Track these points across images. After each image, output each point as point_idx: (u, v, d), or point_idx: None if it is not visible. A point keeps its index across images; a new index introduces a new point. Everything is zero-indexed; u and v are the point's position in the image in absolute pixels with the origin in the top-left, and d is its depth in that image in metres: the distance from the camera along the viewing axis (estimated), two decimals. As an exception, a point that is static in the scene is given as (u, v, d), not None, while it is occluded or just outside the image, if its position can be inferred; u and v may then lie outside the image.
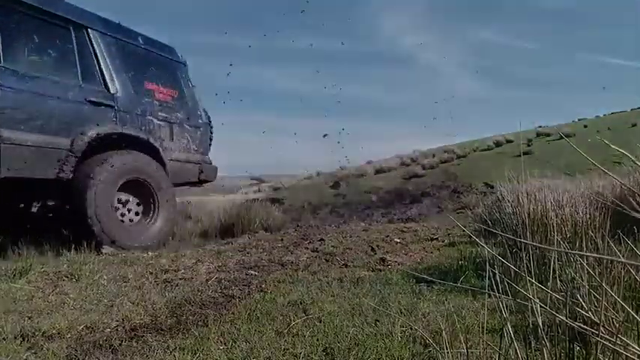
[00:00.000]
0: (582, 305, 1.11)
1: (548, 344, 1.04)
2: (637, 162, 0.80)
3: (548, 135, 22.31)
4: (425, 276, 2.55)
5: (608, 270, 1.47)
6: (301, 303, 2.12)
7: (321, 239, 3.87)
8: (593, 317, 1.01)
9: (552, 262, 1.37)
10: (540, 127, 29.86)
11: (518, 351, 0.98)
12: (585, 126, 28.33)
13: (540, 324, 1.01)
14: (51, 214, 3.63)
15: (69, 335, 1.77)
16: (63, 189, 3.24)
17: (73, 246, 3.19)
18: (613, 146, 0.80)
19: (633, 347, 0.84)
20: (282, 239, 4.07)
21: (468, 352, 1.11)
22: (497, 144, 24.35)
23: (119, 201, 3.59)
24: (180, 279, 2.62)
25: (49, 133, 3.07)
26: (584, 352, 1.14)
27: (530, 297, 1.01)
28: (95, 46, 3.50)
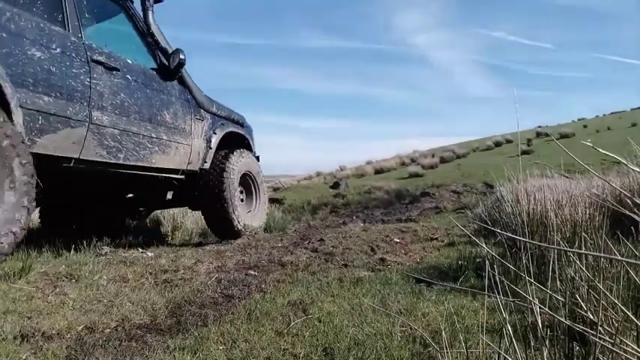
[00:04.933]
0: (581, 305, 1.12)
1: (547, 344, 1.04)
2: (630, 166, 0.80)
3: (547, 135, 22.34)
4: (424, 276, 2.55)
5: (607, 270, 1.47)
6: (301, 303, 2.12)
7: (321, 239, 3.86)
8: (592, 317, 1.02)
9: (552, 262, 1.37)
10: (540, 127, 29.91)
11: (517, 351, 0.98)
12: (585, 126, 28.33)
13: (540, 324, 1.01)
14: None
15: (68, 335, 1.77)
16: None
17: (72, 246, 3.19)
18: (602, 150, 0.80)
19: (632, 347, 0.84)
20: (281, 239, 4.06)
21: (467, 352, 1.12)
22: (497, 144, 24.37)
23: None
24: (179, 279, 2.62)
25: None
26: (584, 352, 1.15)
27: (530, 297, 1.01)
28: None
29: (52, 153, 2.52)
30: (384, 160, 23.75)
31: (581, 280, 1.30)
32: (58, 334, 1.76)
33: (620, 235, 1.57)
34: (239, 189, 4.07)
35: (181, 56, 3.42)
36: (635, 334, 1.00)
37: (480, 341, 1.15)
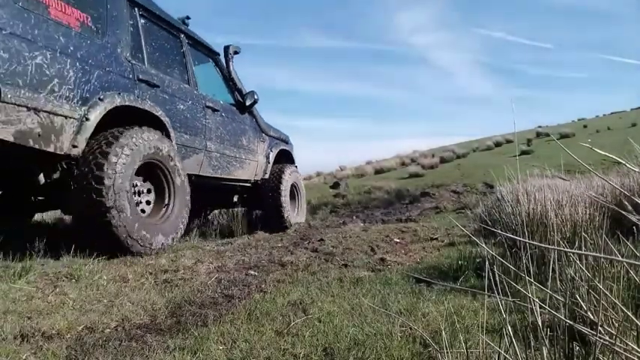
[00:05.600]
0: (581, 305, 1.12)
1: (547, 344, 1.04)
2: (628, 165, 0.80)
3: (547, 135, 22.36)
4: (424, 276, 2.55)
5: (607, 270, 1.47)
6: (301, 303, 2.12)
7: (321, 239, 3.86)
8: (592, 317, 1.02)
9: (552, 262, 1.37)
10: (540, 127, 29.93)
11: (517, 351, 0.98)
12: (585, 126, 28.35)
13: (540, 324, 1.01)
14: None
15: (68, 335, 1.77)
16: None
17: (72, 246, 3.19)
18: (599, 151, 0.80)
19: (632, 347, 0.84)
20: (281, 239, 4.06)
21: (467, 352, 1.11)
22: (497, 144, 24.36)
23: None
24: (179, 279, 2.62)
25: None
26: (584, 352, 1.15)
27: (530, 297, 1.01)
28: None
29: (187, 172, 3.51)
30: (384, 160, 23.76)
31: (581, 280, 1.30)
32: (58, 334, 1.76)
33: (620, 235, 1.57)
34: (288, 194, 5.13)
35: (255, 96, 4.61)
36: (636, 334, 1.00)
37: (480, 341, 1.15)
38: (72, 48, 2.60)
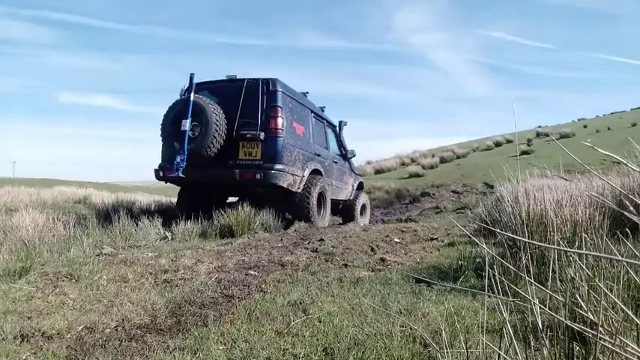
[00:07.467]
0: (581, 305, 1.11)
1: (547, 344, 1.04)
2: (629, 165, 0.80)
3: (547, 135, 22.35)
4: (424, 276, 2.55)
5: (607, 270, 1.47)
6: (301, 303, 2.12)
7: (321, 239, 3.86)
8: (592, 317, 1.02)
9: (552, 262, 1.37)
10: (540, 127, 29.93)
11: (517, 351, 0.98)
12: (585, 126, 28.36)
13: (540, 324, 1.01)
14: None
15: (68, 335, 1.77)
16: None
17: (72, 246, 3.20)
18: (601, 151, 0.80)
19: (632, 347, 0.84)
20: (281, 239, 4.06)
21: (467, 352, 1.12)
22: (497, 144, 24.35)
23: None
24: (179, 279, 2.62)
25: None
26: (584, 352, 1.15)
27: (530, 297, 1.01)
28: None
29: (329, 197, 6.40)
30: (384, 160, 23.75)
31: (581, 280, 1.30)
32: (58, 334, 1.76)
33: (620, 235, 1.57)
34: (360, 209, 8.13)
35: (355, 153, 8.00)
36: (635, 334, 1.00)
37: (480, 341, 1.15)
38: (300, 145, 5.80)
